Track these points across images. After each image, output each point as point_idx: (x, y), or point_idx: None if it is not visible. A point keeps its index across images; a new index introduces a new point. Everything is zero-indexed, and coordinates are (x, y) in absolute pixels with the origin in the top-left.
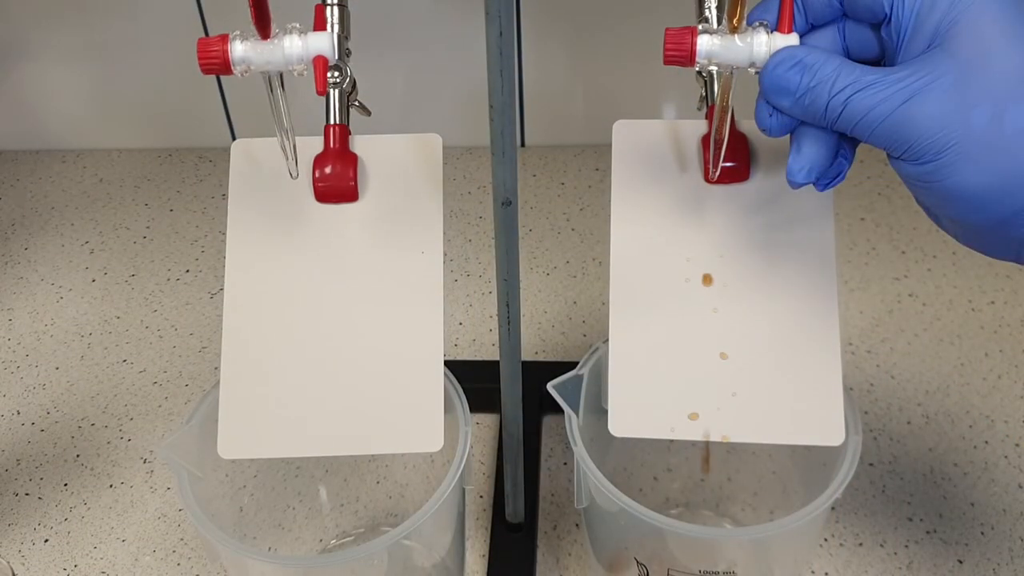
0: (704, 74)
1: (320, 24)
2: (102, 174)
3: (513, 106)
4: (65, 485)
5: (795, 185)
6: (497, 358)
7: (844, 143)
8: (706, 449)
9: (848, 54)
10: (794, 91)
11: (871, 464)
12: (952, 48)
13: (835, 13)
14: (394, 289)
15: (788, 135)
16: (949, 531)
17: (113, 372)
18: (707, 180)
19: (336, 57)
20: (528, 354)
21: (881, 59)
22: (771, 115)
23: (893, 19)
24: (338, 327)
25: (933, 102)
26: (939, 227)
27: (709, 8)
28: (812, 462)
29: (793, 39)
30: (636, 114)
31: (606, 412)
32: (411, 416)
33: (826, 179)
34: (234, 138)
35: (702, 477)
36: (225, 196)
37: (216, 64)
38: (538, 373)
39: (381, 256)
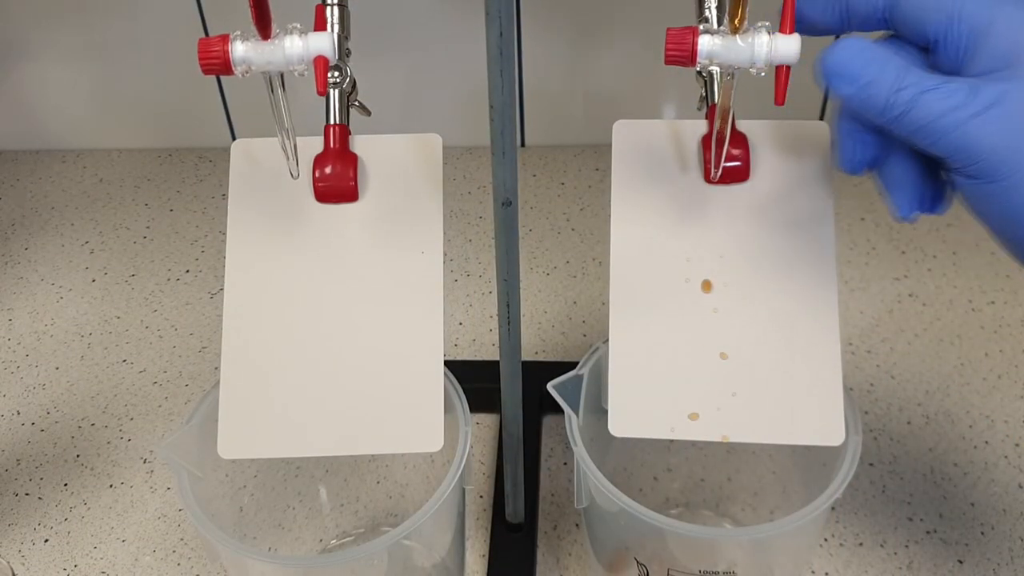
0: (704, 74)
1: (320, 24)
2: (102, 174)
3: (513, 106)
4: (65, 485)
5: (902, 220)
6: (497, 358)
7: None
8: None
9: None
10: (858, 78)
11: (871, 464)
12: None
13: (879, 25)
14: (394, 289)
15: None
16: (949, 531)
17: (113, 372)
18: (707, 180)
19: (336, 57)
20: (528, 354)
21: None
22: (856, 147)
23: (949, 43)
24: (338, 327)
25: (1008, 119)
26: (994, 241)
27: (709, 8)
28: (812, 462)
29: (795, 40)
30: (636, 114)
31: (606, 412)
32: (411, 416)
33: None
34: (234, 138)
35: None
36: (225, 196)
37: (217, 64)
38: (538, 373)
39: (381, 256)
